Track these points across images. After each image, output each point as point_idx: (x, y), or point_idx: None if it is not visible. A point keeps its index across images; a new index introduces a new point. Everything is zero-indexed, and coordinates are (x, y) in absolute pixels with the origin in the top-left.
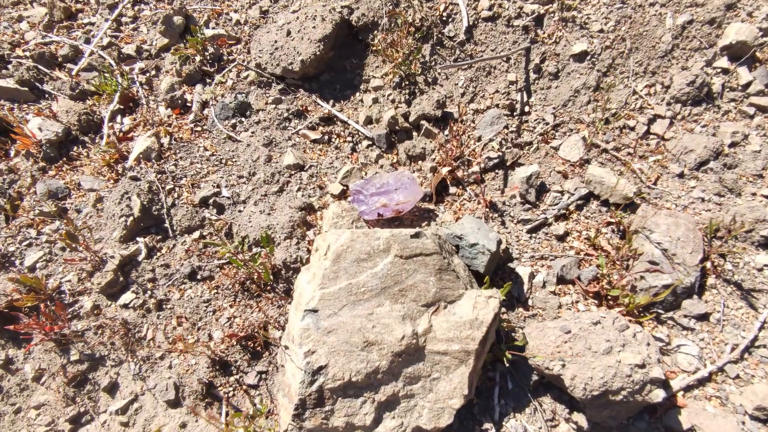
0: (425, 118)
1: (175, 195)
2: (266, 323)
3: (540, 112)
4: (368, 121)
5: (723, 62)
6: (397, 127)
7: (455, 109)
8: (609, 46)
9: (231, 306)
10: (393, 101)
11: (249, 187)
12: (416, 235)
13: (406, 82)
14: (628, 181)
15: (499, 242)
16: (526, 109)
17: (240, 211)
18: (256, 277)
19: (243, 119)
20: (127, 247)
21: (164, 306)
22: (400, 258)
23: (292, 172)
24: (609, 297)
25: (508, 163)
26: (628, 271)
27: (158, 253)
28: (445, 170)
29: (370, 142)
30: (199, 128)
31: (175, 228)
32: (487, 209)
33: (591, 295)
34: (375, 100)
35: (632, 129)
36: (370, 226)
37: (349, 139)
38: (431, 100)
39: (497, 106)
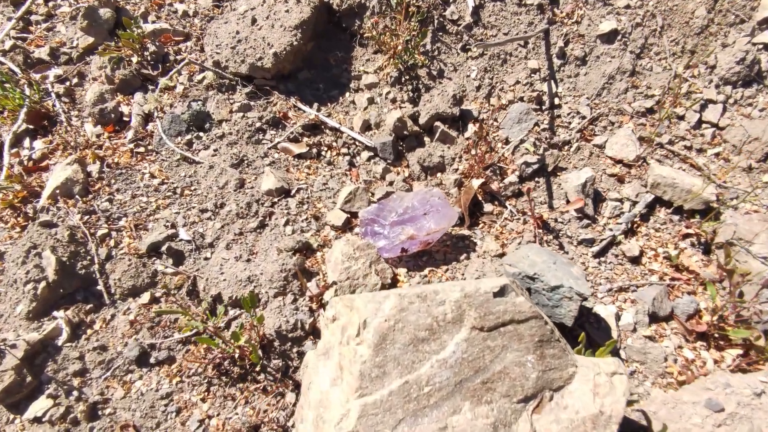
0: (440, 118)
1: (111, 243)
2: (258, 426)
3: (572, 103)
4: (366, 126)
5: (763, 37)
6: (405, 132)
7: (474, 107)
8: (639, 23)
9: (203, 400)
10: (394, 100)
11: (216, 224)
12: (501, 292)
13: (407, 77)
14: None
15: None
16: (556, 101)
17: (206, 258)
18: (238, 355)
19: (201, 134)
20: (39, 326)
21: (101, 412)
22: (480, 331)
23: (275, 200)
24: (718, 337)
25: (550, 169)
26: (743, 300)
27: (89, 331)
28: (476, 183)
29: (372, 153)
30: (141, 149)
31: (113, 291)
32: (540, 230)
33: (694, 336)
34: (371, 101)
35: (681, 118)
36: (391, 266)
37: (344, 150)
38: (445, 95)
39: (521, 99)
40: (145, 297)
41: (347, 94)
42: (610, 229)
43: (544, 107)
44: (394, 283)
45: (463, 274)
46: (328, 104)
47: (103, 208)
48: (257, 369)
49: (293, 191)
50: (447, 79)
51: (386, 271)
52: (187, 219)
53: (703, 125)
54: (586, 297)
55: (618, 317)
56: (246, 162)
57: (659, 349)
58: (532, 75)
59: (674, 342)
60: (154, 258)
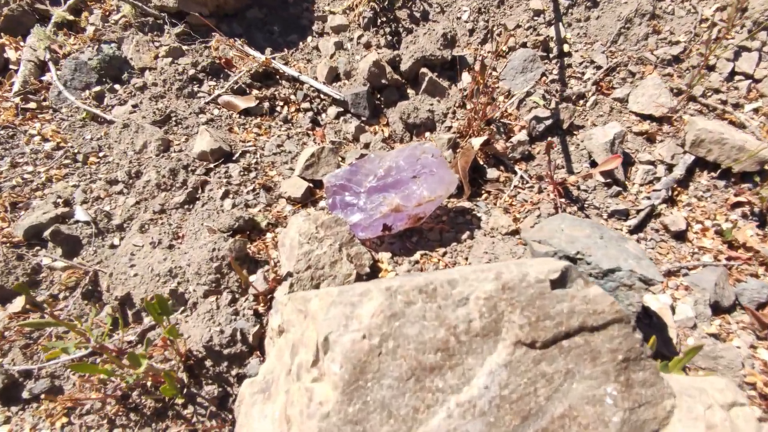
0: (427, 63)
1: None
2: None
3: (584, 51)
4: (333, 76)
5: None
6: (383, 81)
7: (467, 53)
8: None
9: None
10: (368, 45)
11: (129, 200)
12: (562, 279)
13: (383, 18)
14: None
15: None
16: (565, 48)
17: (113, 246)
18: (150, 383)
19: (116, 86)
20: None
21: None
22: (530, 348)
23: (210, 165)
24: None
25: (565, 125)
26: None
27: None
28: (477, 142)
29: (341, 109)
30: (32, 104)
31: None
32: (561, 199)
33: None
34: (339, 46)
35: (712, 69)
36: (369, 250)
37: (306, 105)
38: (433, 34)
39: (524, 45)
40: (18, 303)
41: (309, 38)
42: (647, 198)
43: (551, 55)
44: (374, 273)
45: (467, 259)
46: (285, 50)
47: None
48: (178, 402)
49: (236, 155)
50: (433, 22)
51: (363, 257)
52: (89, 194)
53: (737, 77)
54: (654, 283)
55: (673, 309)
56: (174, 119)
57: (732, 352)
58: (535, 18)
59: (745, 340)
60: (37, 247)
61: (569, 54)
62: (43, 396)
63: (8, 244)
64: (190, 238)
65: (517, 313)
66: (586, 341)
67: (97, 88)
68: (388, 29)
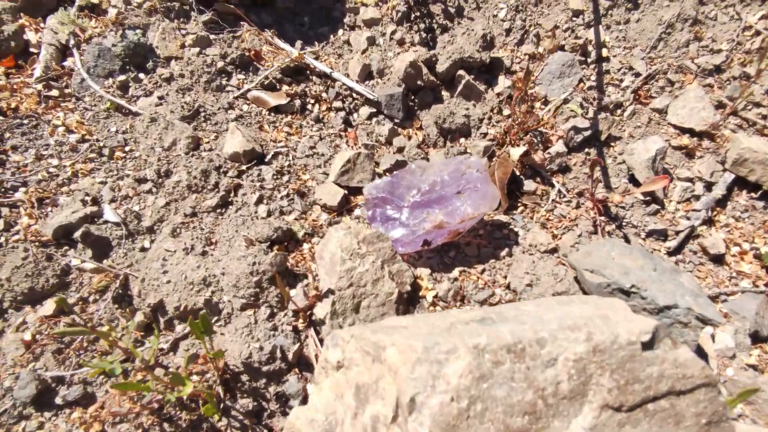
0: (465, 65)
1: (0, 225)
2: None
3: (623, 57)
4: (366, 74)
5: None
6: (419, 83)
7: (504, 54)
8: None
9: None
10: (401, 42)
11: (159, 201)
12: (651, 341)
13: (417, 13)
14: None
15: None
16: (604, 52)
17: (143, 249)
18: (186, 396)
19: (141, 75)
20: None
21: None
22: (616, 411)
23: (243, 167)
24: None
25: (603, 137)
26: None
27: None
28: (516, 153)
29: (374, 109)
30: (54, 92)
31: (2, 299)
32: (600, 216)
33: None
34: (371, 42)
35: (749, 78)
36: (407, 262)
37: (338, 104)
38: (473, 35)
39: (562, 48)
40: (49, 305)
41: (340, 31)
42: (686, 218)
43: (589, 59)
44: (414, 290)
45: (505, 277)
46: (315, 43)
47: None
48: (217, 416)
49: (268, 156)
50: (468, 19)
51: (404, 274)
52: (117, 192)
53: None
54: (713, 323)
55: (713, 338)
56: (203, 115)
57: None
58: (574, 18)
59: None
60: (66, 247)
61: (607, 59)
62: (75, 408)
63: (37, 243)
64: (223, 244)
65: (606, 376)
66: (671, 405)
67: (122, 77)
68: (422, 25)
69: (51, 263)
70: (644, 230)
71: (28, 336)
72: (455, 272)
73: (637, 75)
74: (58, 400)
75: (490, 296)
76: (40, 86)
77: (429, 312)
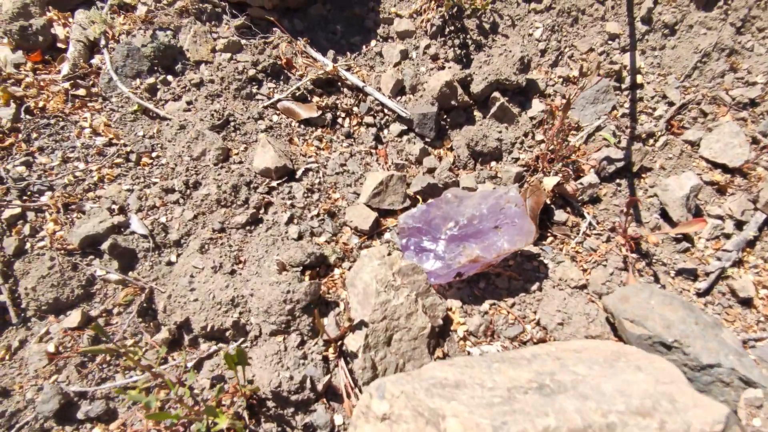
0: (500, 87)
1: (26, 230)
2: None
3: (657, 84)
4: (398, 89)
5: None
6: (452, 103)
7: (538, 76)
8: None
9: None
10: (435, 57)
11: (187, 213)
12: (724, 430)
13: (452, 27)
14: None
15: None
16: (639, 79)
17: (170, 263)
18: (209, 421)
19: (170, 78)
20: None
21: None
22: None
23: (274, 183)
24: None
25: (635, 168)
26: None
27: None
28: (550, 182)
29: (405, 127)
30: (81, 91)
31: (23, 305)
32: (632, 254)
33: None
34: (404, 55)
35: None
36: (438, 292)
37: (369, 120)
38: (510, 57)
39: (584, 75)
40: (75, 317)
41: (373, 42)
42: (717, 258)
43: (623, 86)
44: (446, 323)
45: (535, 312)
46: (348, 53)
47: (16, 175)
48: None
49: (299, 172)
50: (503, 36)
51: (437, 308)
52: (144, 201)
53: None
54: (756, 386)
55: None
56: (233, 124)
57: None
58: (609, 42)
59: None
60: (91, 257)
61: (641, 86)
62: (97, 424)
63: (62, 252)
64: (252, 264)
65: None
66: None
67: (150, 80)
68: (456, 41)
69: (76, 273)
70: (674, 268)
71: (51, 348)
72: (485, 305)
73: (671, 104)
74: (80, 415)
75: (521, 333)
76: (67, 84)
77: (460, 347)
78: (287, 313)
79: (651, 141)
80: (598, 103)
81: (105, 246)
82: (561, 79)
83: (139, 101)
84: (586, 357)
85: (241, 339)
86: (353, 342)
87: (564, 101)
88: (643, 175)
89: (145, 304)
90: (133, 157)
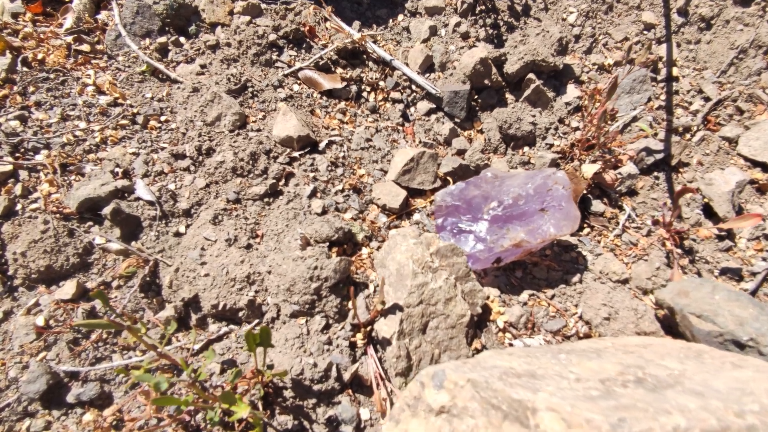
0: (536, 69)
1: (17, 190)
2: None
3: (693, 78)
4: (427, 65)
5: None
6: (486, 82)
7: (572, 61)
8: None
9: None
10: (465, 36)
11: (199, 181)
12: None
13: (483, 7)
14: None
15: None
16: (674, 71)
17: (178, 234)
18: (220, 412)
19: (182, 39)
20: None
21: None
22: None
23: (295, 154)
24: None
25: (673, 162)
26: None
27: None
28: (591, 170)
29: (434, 105)
30: (85, 47)
31: (12, 273)
32: (677, 249)
33: None
34: (433, 31)
35: None
36: (477, 277)
37: (396, 95)
38: (548, 37)
39: (632, 62)
40: (69, 288)
41: (400, 16)
42: (762, 259)
43: (659, 77)
44: (484, 312)
45: (577, 305)
46: (374, 26)
47: (9, 129)
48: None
49: (322, 144)
50: (534, 20)
51: (477, 295)
52: (151, 166)
53: None
54: None
55: None
56: (251, 90)
57: None
58: (645, 32)
59: None
60: (90, 223)
61: (677, 79)
62: (89, 409)
63: (58, 216)
64: (270, 238)
65: None
66: None
67: (161, 39)
68: (488, 20)
69: (73, 240)
70: (717, 267)
71: (40, 321)
72: (524, 295)
73: (707, 99)
74: (70, 399)
75: (563, 327)
76: (70, 39)
77: (499, 339)
78: (313, 292)
79: (687, 135)
80: (633, 93)
81: (106, 211)
82: (596, 67)
83: (149, 61)
84: (663, 352)
85: (256, 320)
86: (385, 328)
87: (604, 86)
88: (681, 170)
89: (148, 278)
90: (139, 119)
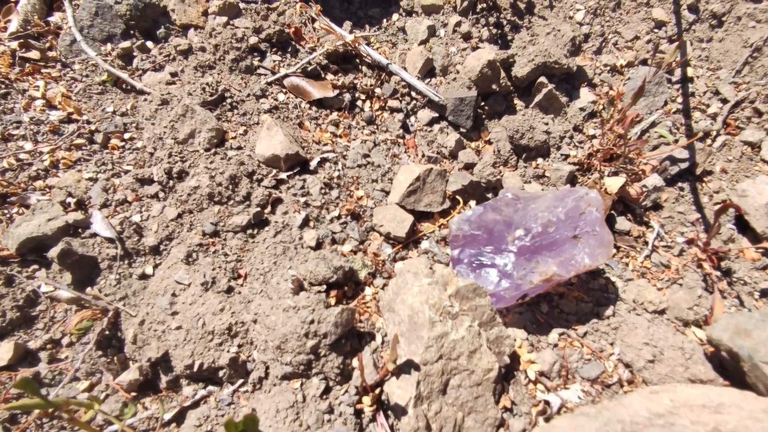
0: (548, 71)
1: None
2: None
3: (708, 79)
4: (427, 69)
5: None
6: (494, 86)
7: (582, 63)
8: None
9: None
10: (467, 37)
11: (169, 211)
12: None
13: (484, 5)
14: None
15: None
16: (689, 72)
17: (144, 277)
18: None
19: (149, 43)
20: None
21: None
22: None
23: (283, 176)
24: None
25: (698, 170)
26: None
27: None
28: (616, 184)
29: (436, 114)
30: (34, 54)
31: None
32: (716, 271)
33: None
34: (431, 32)
35: None
36: (499, 315)
37: (395, 104)
38: (560, 37)
39: (644, 62)
40: (6, 350)
41: (395, 16)
42: None
43: (674, 78)
44: (512, 360)
45: (612, 344)
46: (366, 27)
47: None
48: None
49: (313, 163)
50: (539, 18)
51: (504, 342)
52: (111, 194)
53: None
54: None
55: None
56: (229, 102)
57: None
58: (656, 30)
59: None
60: (34, 266)
61: (692, 80)
62: None
63: None
64: (256, 279)
65: None
66: None
67: (125, 44)
68: (491, 19)
69: (11, 289)
70: (756, 289)
71: None
72: (554, 335)
73: (724, 101)
74: None
75: (602, 373)
76: (15, 44)
77: (530, 392)
78: (309, 350)
79: (708, 141)
80: (649, 96)
81: (54, 252)
82: (608, 68)
83: (110, 69)
84: (744, 416)
85: (240, 381)
86: (398, 391)
87: (623, 89)
88: (705, 179)
89: (107, 332)
90: (98, 137)
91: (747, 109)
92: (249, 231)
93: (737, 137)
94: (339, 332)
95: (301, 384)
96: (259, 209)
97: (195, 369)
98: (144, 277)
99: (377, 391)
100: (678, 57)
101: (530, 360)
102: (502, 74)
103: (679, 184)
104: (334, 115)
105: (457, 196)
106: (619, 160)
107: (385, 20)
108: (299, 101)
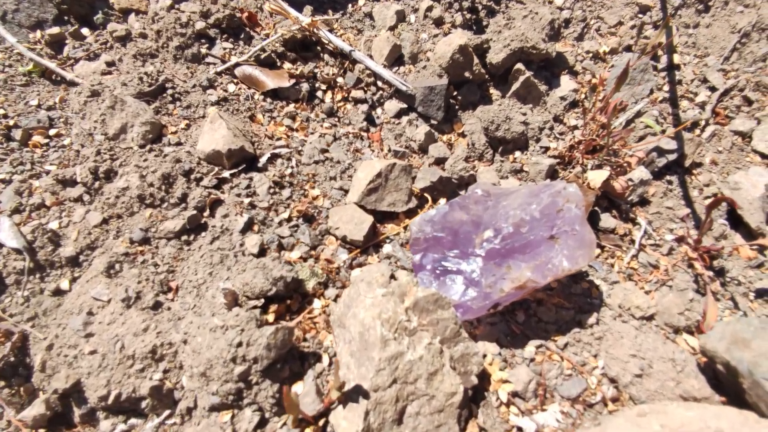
0: (525, 57)
1: None
2: None
3: (695, 66)
4: (395, 56)
5: None
6: (466, 74)
7: (566, 49)
8: None
9: None
10: (440, 22)
11: (93, 216)
12: None
13: None
14: None
15: None
16: (675, 59)
17: (58, 292)
18: None
19: (85, 30)
20: None
21: None
22: None
23: (225, 174)
24: None
25: (687, 162)
26: None
27: None
28: (600, 178)
29: (404, 105)
30: None
31: None
32: (708, 271)
33: None
34: (401, 17)
35: None
36: (468, 327)
37: (359, 94)
38: (537, 20)
39: (628, 49)
40: None
41: (361, 1)
42: None
43: (659, 66)
44: (482, 379)
45: (596, 356)
46: (330, 13)
47: None
48: None
49: (263, 159)
50: (516, 2)
51: (470, 360)
52: (26, 197)
53: None
54: None
55: None
56: (171, 93)
57: None
58: (640, 15)
59: None
60: None
61: (678, 67)
62: None
63: None
64: (188, 292)
65: None
66: None
67: (54, 30)
68: (465, 3)
69: None
70: (751, 289)
71: None
72: (530, 348)
73: (713, 89)
74: None
75: (584, 391)
76: None
77: (502, 416)
78: (238, 378)
79: (696, 131)
80: (634, 84)
81: None
82: (590, 55)
83: (36, 59)
84: None
85: (167, 412)
86: (344, 422)
87: (600, 76)
88: (695, 172)
89: (12, 359)
90: (17, 133)
91: (736, 98)
92: (184, 237)
93: (727, 127)
94: (273, 356)
95: (232, 416)
96: (195, 212)
97: (111, 400)
98: (58, 292)
99: (321, 422)
100: (664, 39)
101: (502, 379)
102: (476, 61)
103: (667, 177)
104: (291, 107)
105: (426, 194)
106: (603, 151)
107: (350, 5)
108: (252, 92)
